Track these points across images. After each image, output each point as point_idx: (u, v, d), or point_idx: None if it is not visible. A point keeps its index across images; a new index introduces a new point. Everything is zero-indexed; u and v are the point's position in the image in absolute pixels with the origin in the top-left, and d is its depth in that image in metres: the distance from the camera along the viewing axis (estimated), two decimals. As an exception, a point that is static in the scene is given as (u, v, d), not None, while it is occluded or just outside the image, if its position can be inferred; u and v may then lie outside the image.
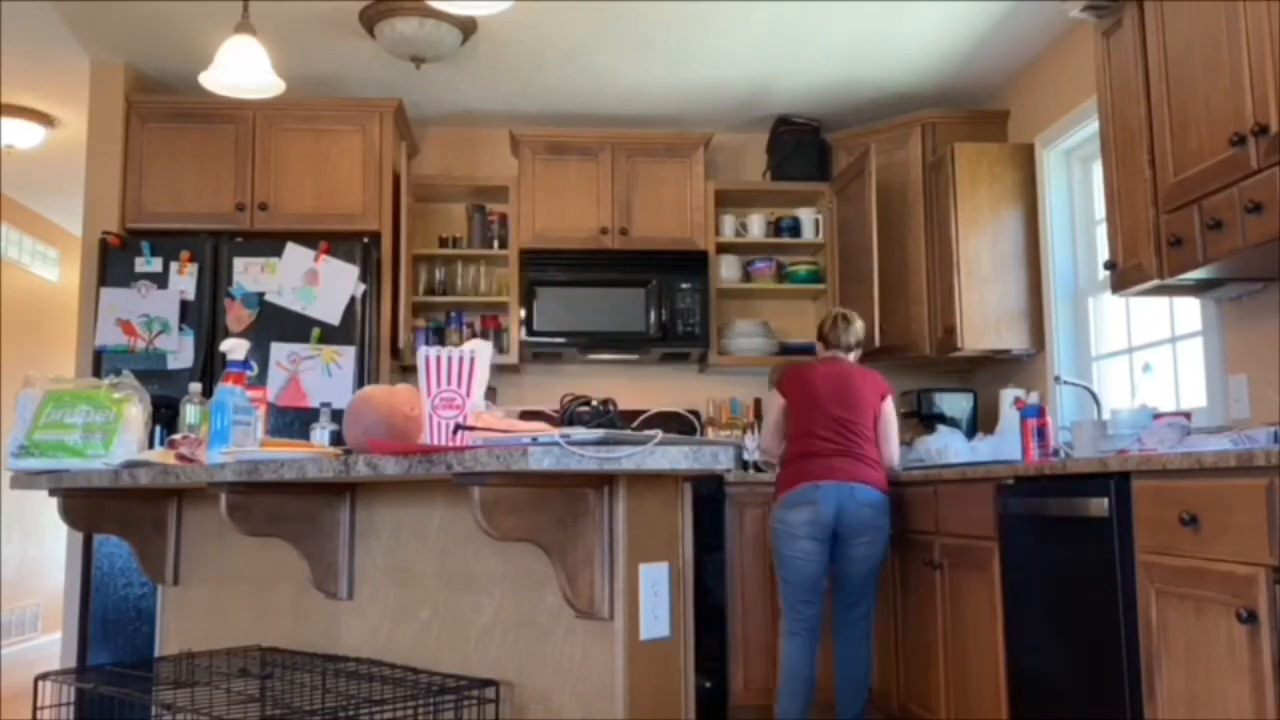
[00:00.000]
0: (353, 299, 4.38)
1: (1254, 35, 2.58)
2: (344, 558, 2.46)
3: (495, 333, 5.12)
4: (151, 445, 2.74)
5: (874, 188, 4.64)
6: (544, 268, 4.93)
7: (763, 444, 4.10)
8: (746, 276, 5.25)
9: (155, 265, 4.35)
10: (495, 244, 5.08)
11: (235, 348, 2.49)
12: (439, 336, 5.07)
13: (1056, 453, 3.83)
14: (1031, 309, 4.48)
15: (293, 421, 4.07)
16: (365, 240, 4.48)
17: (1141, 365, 3.96)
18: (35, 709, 2.31)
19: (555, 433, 1.83)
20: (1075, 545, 2.85)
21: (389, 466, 1.93)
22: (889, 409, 3.90)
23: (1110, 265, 3.32)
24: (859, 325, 4.01)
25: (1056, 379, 4.13)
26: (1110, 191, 3.33)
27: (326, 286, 4.37)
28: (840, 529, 3.70)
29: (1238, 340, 3.30)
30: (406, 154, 5.22)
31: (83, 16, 4.26)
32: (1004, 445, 4.05)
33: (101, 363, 4.26)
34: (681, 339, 4.95)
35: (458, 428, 1.87)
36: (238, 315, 4.33)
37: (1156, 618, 2.47)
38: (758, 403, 5.22)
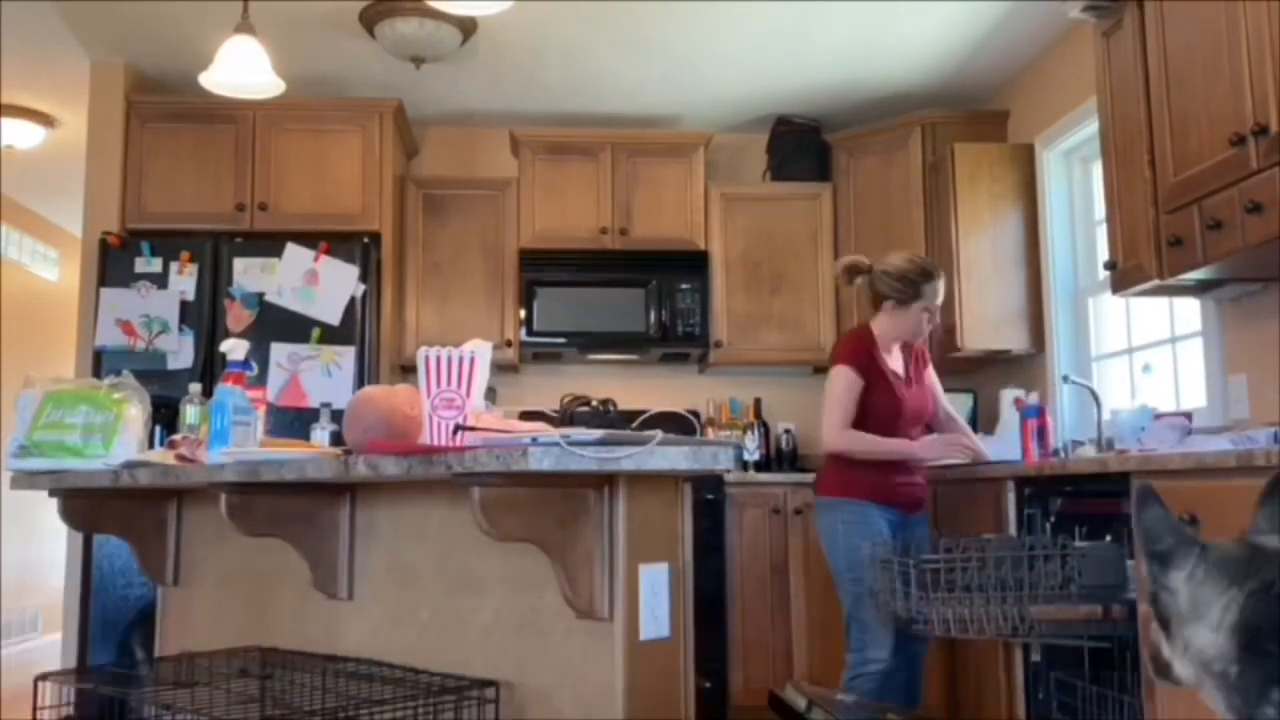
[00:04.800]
0: (352, 299, 4.38)
1: (1254, 36, 2.58)
2: (344, 558, 2.46)
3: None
4: (151, 445, 2.74)
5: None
6: (544, 268, 4.93)
7: None
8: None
9: (155, 265, 4.35)
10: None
11: (235, 348, 2.49)
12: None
13: (1056, 453, 3.83)
14: (1031, 309, 4.48)
15: (293, 422, 4.06)
16: (365, 240, 4.48)
17: (1141, 365, 3.96)
18: (35, 709, 2.30)
19: (555, 433, 1.83)
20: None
21: (389, 467, 1.93)
22: (830, 378, 3.34)
23: (1110, 265, 3.32)
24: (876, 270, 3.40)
25: (1065, 378, 4.11)
26: (1110, 192, 3.33)
27: (326, 287, 4.36)
28: None
29: (1238, 340, 3.30)
30: (406, 154, 5.22)
31: (83, 16, 4.26)
32: (1004, 445, 4.04)
33: (101, 363, 4.25)
34: (681, 339, 4.95)
35: (458, 428, 1.87)
36: (237, 315, 4.33)
37: (1156, 618, 2.46)
38: (758, 403, 5.22)
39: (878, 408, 3.30)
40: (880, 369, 3.33)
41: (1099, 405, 3.91)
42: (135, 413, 2.62)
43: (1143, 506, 1.34)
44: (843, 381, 3.28)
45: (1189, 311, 3.59)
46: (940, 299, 3.37)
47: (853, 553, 3.18)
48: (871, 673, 3.12)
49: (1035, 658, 3.10)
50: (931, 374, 3.52)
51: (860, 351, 3.33)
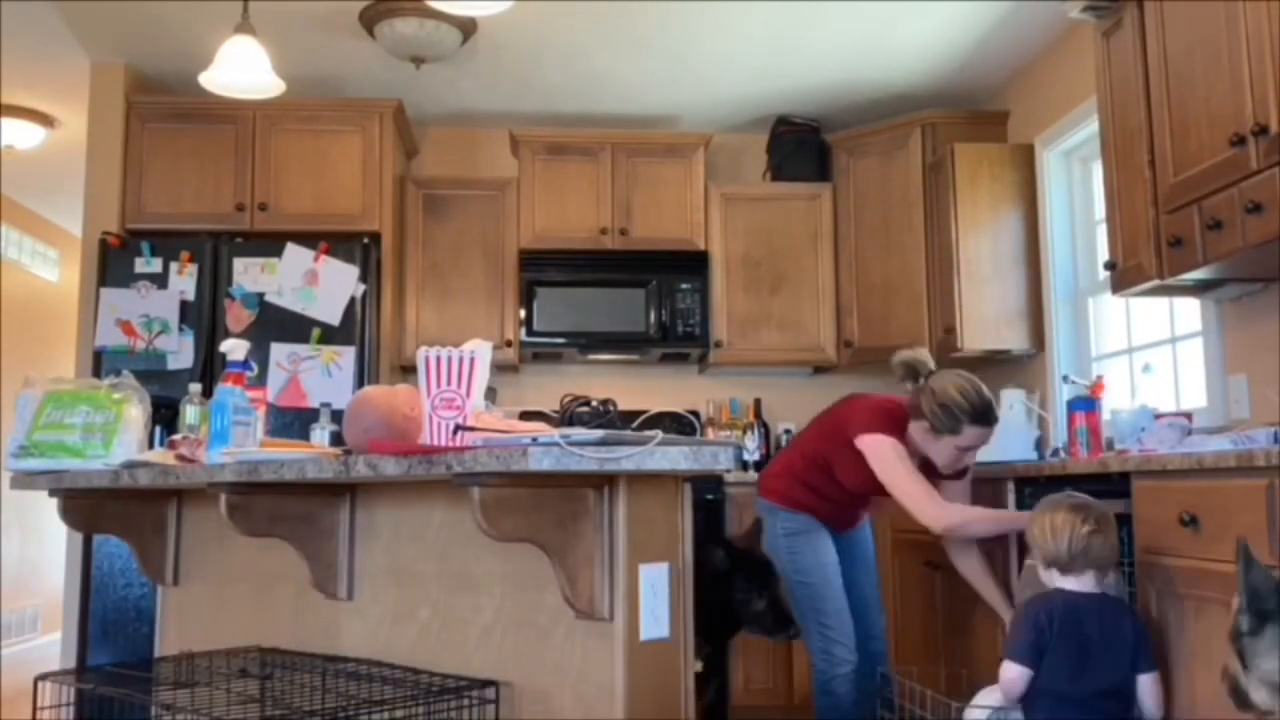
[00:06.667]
0: (352, 299, 4.38)
1: (1254, 35, 2.58)
2: (344, 558, 2.46)
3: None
4: (151, 446, 2.75)
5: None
6: (544, 268, 4.93)
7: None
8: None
9: (155, 266, 4.35)
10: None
11: (235, 348, 2.49)
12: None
13: (1056, 453, 3.83)
14: (1031, 309, 4.48)
15: (293, 422, 4.07)
16: (365, 240, 4.48)
17: (1141, 365, 3.96)
18: (35, 709, 2.30)
19: (555, 433, 1.83)
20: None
21: (389, 467, 1.93)
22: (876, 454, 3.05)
23: (1110, 265, 3.32)
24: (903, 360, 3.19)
25: (1065, 378, 4.11)
26: (1110, 192, 3.33)
27: (326, 287, 4.36)
28: None
29: (1238, 340, 3.30)
30: (406, 154, 5.22)
31: (83, 16, 4.26)
32: (1004, 445, 4.04)
33: (101, 363, 4.26)
34: (681, 339, 4.95)
35: (458, 428, 1.87)
36: (237, 316, 4.33)
37: (1156, 618, 2.47)
38: (758, 403, 5.22)
39: (843, 479, 3.15)
40: None
41: (1099, 405, 3.91)
42: (135, 413, 2.62)
43: (1249, 566, 1.61)
44: (896, 456, 3.01)
45: (1189, 311, 3.59)
46: (982, 444, 3.07)
47: (797, 557, 3.15)
48: (844, 674, 3.08)
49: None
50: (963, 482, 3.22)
51: (897, 430, 3.07)
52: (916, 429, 3.08)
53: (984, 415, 3.01)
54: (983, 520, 3.07)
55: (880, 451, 3.02)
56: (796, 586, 3.18)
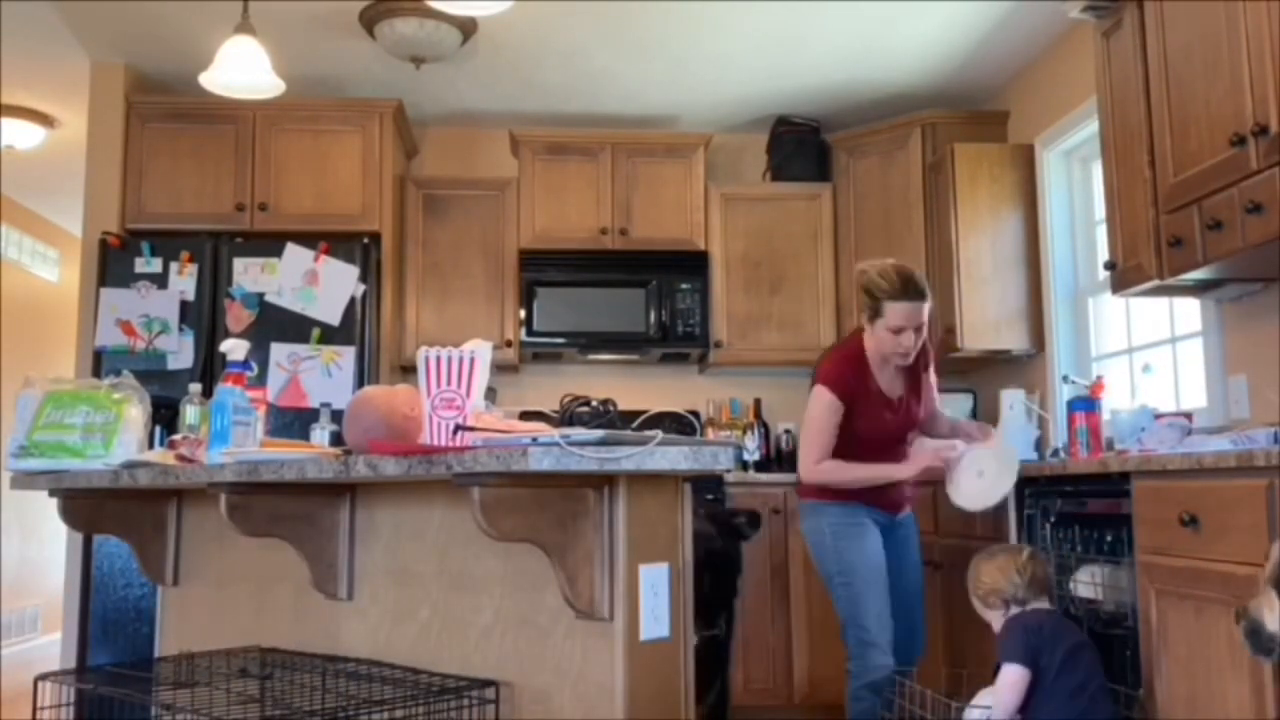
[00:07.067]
0: (352, 299, 4.38)
1: (1254, 35, 2.58)
2: (344, 558, 2.46)
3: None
4: (151, 446, 2.74)
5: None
6: (544, 268, 4.93)
7: None
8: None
9: (155, 266, 4.35)
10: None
11: (235, 348, 2.49)
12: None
13: (1056, 453, 3.82)
14: (1031, 309, 4.48)
15: (293, 422, 4.07)
16: (365, 240, 4.48)
17: (1141, 365, 3.96)
18: (35, 709, 2.30)
19: (555, 433, 1.83)
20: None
21: (389, 467, 1.93)
22: (810, 399, 3.17)
23: (1110, 265, 3.32)
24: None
25: (1065, 378, 4.11)
26: (1110, 192, 3.33)
27: (326, 287, 4.37)
28: None
29: (1238, 340, 3.30)
30: (406, 154, 5.22)
31: (83, 16, 4.26)
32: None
33: (101, 363, 4.26)
34: (681, 339, 4.95)
35: (458, 428, 1.87)
36: (237, 316, 4.33)
37: (1156, 618, 2.47)
38: (758, 403, 5.22)
39: (861, 431, 3.15)
40: (866, 389, 3.15)
41: (1099, 405, 3.90)
42: (135, 413, 2.62)
43: None
44: (821, 407, 3.11)
45: (1189, 311, 3.59)
46: (912, 322, 3.06)
47: (844, 555, 3.13)
48: (878, 680, 3.04)
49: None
50: (929, 376, 3.33)
51: (844, 372, 3.14)
52: (868, 336, 3.18)
53: (901, 290, 3.03)
54: (850, 476, 3.14)
55: (814, 401, 3.16)
56: (838, 587, 3.15)
